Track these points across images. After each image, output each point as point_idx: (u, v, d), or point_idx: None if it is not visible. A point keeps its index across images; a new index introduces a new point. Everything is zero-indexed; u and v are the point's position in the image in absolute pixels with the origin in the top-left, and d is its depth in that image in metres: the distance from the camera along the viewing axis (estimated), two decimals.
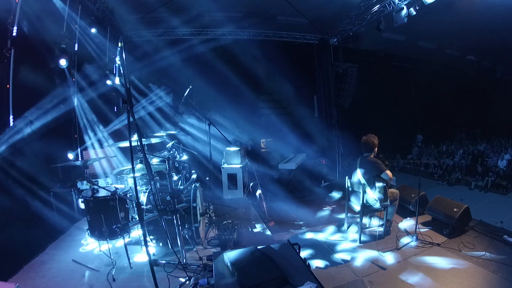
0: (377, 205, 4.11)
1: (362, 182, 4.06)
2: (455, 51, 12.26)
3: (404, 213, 4.99)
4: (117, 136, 6.26)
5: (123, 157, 5.67)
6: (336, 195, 6.29)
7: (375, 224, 4.66)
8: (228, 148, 6.39)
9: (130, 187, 3.65)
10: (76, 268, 3.38)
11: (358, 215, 4.20)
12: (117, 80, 6.58)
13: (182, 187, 4.12)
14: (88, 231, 3.31)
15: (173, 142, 4.53)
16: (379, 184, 4.04)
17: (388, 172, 4.00)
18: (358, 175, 4.13)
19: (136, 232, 3.85)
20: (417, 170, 6.57)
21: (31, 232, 3.76)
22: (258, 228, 4.65)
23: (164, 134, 5.18)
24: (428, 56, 12.57)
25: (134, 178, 2.53)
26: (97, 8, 5.81)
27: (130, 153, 2.41)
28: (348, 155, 8.76)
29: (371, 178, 4.06)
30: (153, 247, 3.78)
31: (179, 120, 7.94)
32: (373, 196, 4.07)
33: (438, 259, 3.61)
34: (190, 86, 4.85)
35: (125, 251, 3.27)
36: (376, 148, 4.21)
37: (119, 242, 3.74)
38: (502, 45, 10.67)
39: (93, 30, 5.90)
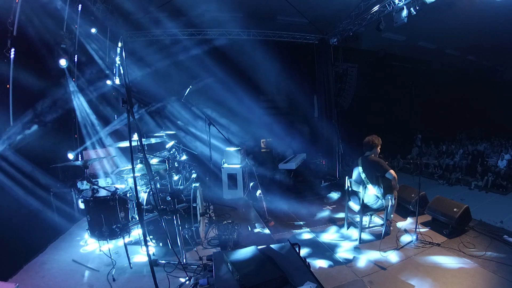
0: (377, 204, 4.11)
1: (365, 182, 4.06)
2: (455, 51, 12.27)
3: (404, 213, 4.99)
4: (117, 136, 6.25)
5: (123, 157, 5.67)
6: (336, 195, 6.29)
7: (375, 224, 4.66)
8: (228, 148, 6.38)
9: (130, 187, 3.65)
10: (76, 268, 3.38)
11: (358, 215, 4.20)
12: (117, 80, 6.60)
13: (182, 187, 4.12)
14: (88, 231, 3.31)
15: (173, 142, 4.53)
16: (383, 184, 4.04)
17: (392, 172, 4.00)
18: (361, 175, 4.14)
19: (136, 232, 3.85)
20: (417, 170, 6.56)
21: (31, 232, 3.75)
22: (258, 228, 4.64)
23: (163, 134, 5.18)
24: (428, 56, 12.59)
25: (134, 178, 2.53)
26: (97, 8, 5.81)
27: (130, 153, 2.41)
28: (348, 155, 8.76)
29: (374, 178, 4.07)
30: (153, 247, 3.78)
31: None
32: (377, 194, 4.06)
33: (438, 259, 3.61)
34: (190, 86, 4.85)
35: (125, 251, 3.27)
36: (378, 149, 4.23)
37: (119, 242, 3.73)
38: (502, 45, 10.67)
39: (93, 30, 5.90)
